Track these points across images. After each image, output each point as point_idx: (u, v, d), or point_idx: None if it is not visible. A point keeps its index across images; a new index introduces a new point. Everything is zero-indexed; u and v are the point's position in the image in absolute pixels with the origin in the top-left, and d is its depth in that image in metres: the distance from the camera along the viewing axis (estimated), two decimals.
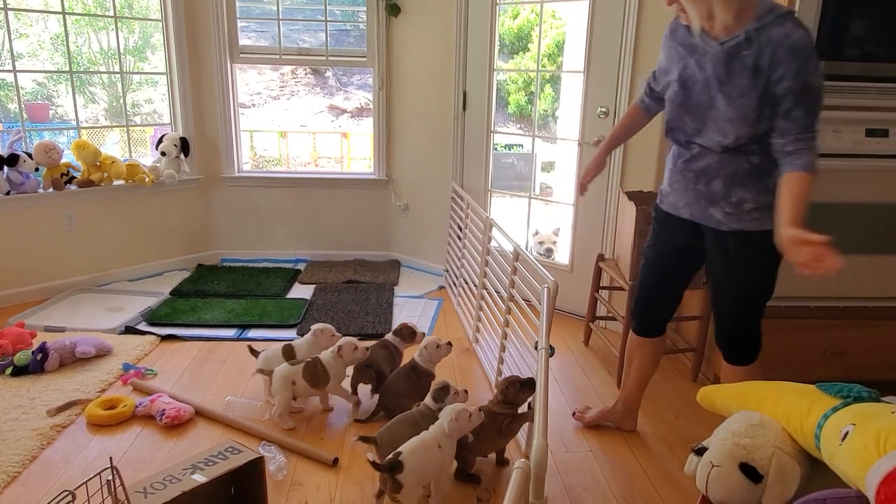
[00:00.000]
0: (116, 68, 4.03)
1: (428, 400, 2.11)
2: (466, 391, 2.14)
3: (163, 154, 3.99)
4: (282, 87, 10.47)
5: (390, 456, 1.83)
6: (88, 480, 1.39)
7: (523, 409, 2.09)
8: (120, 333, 3.19)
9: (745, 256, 1.87)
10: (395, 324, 3.35)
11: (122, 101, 4.18)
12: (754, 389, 1.56)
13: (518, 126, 8.04)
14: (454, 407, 1.96)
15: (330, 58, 4.23)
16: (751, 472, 1.35)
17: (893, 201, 2.51)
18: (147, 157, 4.23)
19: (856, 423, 1.16)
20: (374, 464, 1.85)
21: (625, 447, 2.36)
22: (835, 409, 1.26)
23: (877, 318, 2.65)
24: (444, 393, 2.09)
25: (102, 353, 2.92)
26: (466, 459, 2.08)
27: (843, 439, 1.16)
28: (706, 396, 1.69)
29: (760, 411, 1.47)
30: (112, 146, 6.00)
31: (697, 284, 2.70)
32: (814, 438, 1.29)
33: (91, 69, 7.38)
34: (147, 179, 3.89)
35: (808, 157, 1.68)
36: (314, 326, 2.62)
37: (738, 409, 1.54)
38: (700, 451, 1.47)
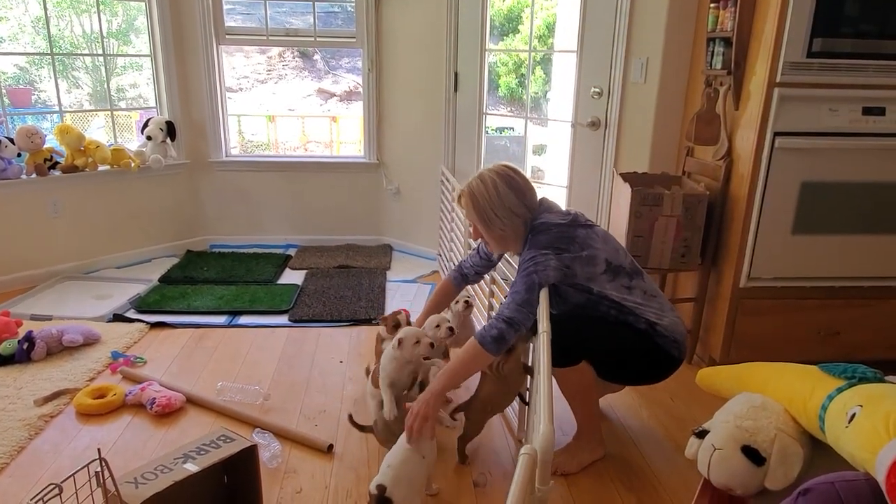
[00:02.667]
0: (99, 52, 3.92)
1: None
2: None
3: (148, 138, 3.91)
4: (269, 70, 10.34)
5: (375, 492, 1.69)
6: (76, 473, 1.35)
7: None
8: (108, 321, 3.14)
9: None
10: (389, 309, 3.34)
11: (106, 85, 4.09)
12: (755, 371, 1.54)
13: (509, 109, 7.99)
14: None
15: (318, 39, 4.16)
16: (753, 454, 1.33)
17: (889, 181, 2.49)
18: (133, 143, 4.15)
19: (863, 404, 1.14)
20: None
21: (621, 430, 2.35)
22: (839, 390, 1.24)
23: (871, 297, 2.65)
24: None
25: (90, 342, 2.87)
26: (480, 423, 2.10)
27: (850, 421, 1.14)
28: (706, 378, 1.68)
29: (762, 393, 1.45)
30: (96, 131, 5.88)
31: (693, 266, 2.69)
32: (818, 420, 1.27)
33: (74, 52, 7.24)
34: (133, 164, 3.82)
35: (483, 330, 1.91)
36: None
37: (738, 391, 1.52)
38: (701, 434, 1.45)
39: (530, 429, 1.77)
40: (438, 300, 2.42)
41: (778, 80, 2.34)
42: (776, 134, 2.41)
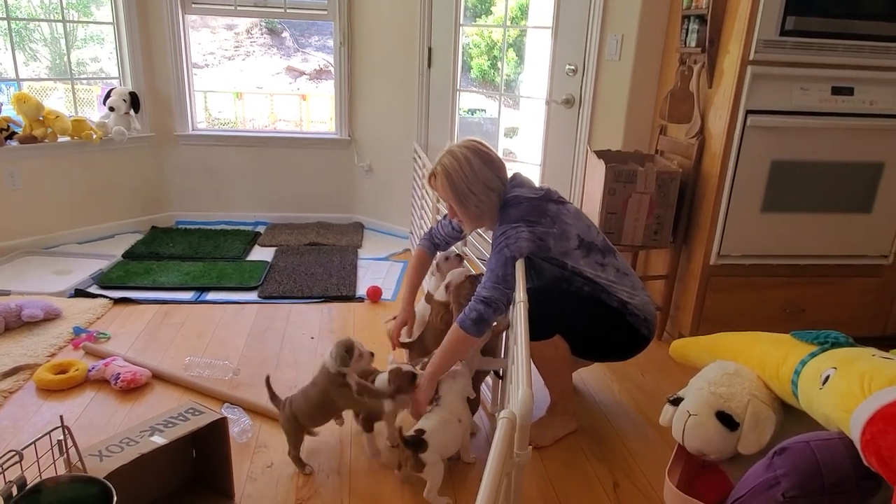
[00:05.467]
0: (59, 24, 3.76)
1: (328, 361, 1.84)
2: (372, 353, 1.90)
3: (111, 109, 3.78)
4: (236, 46, 10.09)
5: (412, 433, 1.73)
6: (37, 440, 1.30)
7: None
8: (69, 297, 3.05)
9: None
10: (360, 286, 3.31)
11: (66, 57, 3.93)
12: (729, 339, 1.56)
13: (481, 91, 7.94)
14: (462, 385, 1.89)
15: (288, 10, 4.05)
16: (727, 419, 1.34)
17: (856, 160, 2.54)
18: (94, 117, 4.00)
19: (837, 366, 1.16)
20: (402, 439, 1.75)
21: (593, 404, 2.37)
22: (813, 355, 1.26)
23: (836, 275, 2.71)
24: (349, 355, 1.83)
25: (51, 317, 2.77)
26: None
27: (824, 383, 1.16)
28: (679, 349, 1.69)
29: (735, 361, 1.47)
30: (56, 101, 5.68)
31: (665, 244, 2.71)
32: (790, 385, 1.29)
33: (32, 18, 6.96)
34: (95, 136, 3.69)
35: (463, 315, 1.88)
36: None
37: (711, 360, 1.53)
38: (675, 401, 1.46)
39: (506, 399, 1.77)
40: (417, 271, 2.38)
41: (751, 57, 2.36)
42: (748, 112, 2.43)
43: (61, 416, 1.36)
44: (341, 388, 1.85)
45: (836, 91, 2.45)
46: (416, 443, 1.72)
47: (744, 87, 2.39)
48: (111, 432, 2.05)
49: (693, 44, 2.61)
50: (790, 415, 1.37)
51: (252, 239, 3.96)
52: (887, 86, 2.45)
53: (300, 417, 1.88)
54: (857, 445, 0.99)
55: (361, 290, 3.26)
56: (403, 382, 1.87)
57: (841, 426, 1.08)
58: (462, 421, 1.84)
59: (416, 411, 1.90)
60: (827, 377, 1.15)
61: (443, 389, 1.89)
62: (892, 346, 1.58)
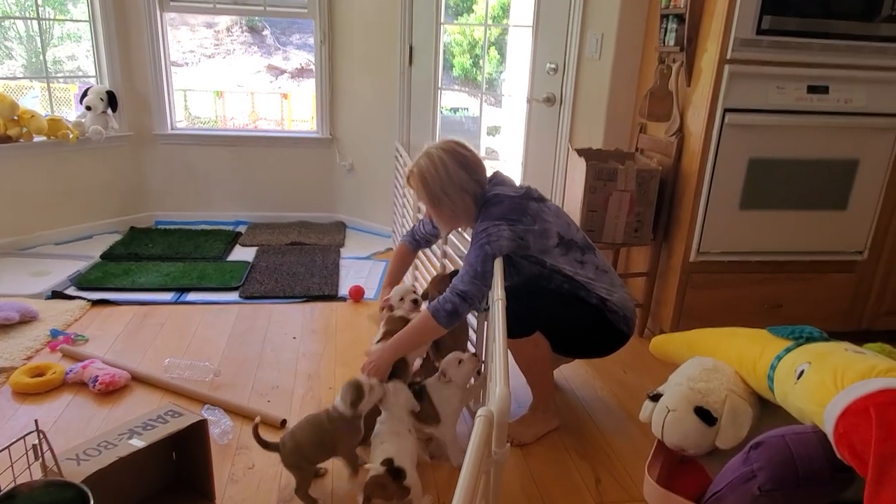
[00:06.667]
0: (34, 21, 3.70)
1: (339, 404, 1.75)
2: (383, 384, 1.84)
3: (88, 108, 3.73)
4: (216, 45, 10.00)
5: (385, 466, 1.65)
6: (11, 445, 1.28)
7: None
8: (46, 298, 3.00)
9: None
10: (343, 285, 3.30)
11: (41, 56, 3.87)
12: (707, 335, 1.57)
13: (463, 89, 7.94)
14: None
15: (268, 8, 4.02)
16: (705, 415, 1.36)
17: (831, 157, 2.58)
18: (71, 116, 3.94)
19: (811, 361, 1.17)
20: (381, 479, 1.67)
21: (575, 401, 2.38)
22: (788, 350, 1.28)
23: (811, 271, 2.74)
24: (358, 398, 1.75)
25: (27, 319, 2.73)
26: None
27: (799, 377, 1.18)
28: (659, 345, 1.71)
29: (713, 356, 1.48)
30: (32, 100, 5.59)
31: (646, 241, 2.73)
32: (766, 380, 1.31)
33: (7, 16, 6.84)
34: (71, 135, 3.63)
35: (437, 303, 1.89)
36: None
37: (690, 356, 1.55)
38: (655, 398, 1.48)
39: (485, 396, 1.77)
40: (398, 265, 2.39)
41: (728, 56, 2.38)
42: (726, 110, 2.45)
43: (36, 421, 1.34)
44: (350, 436, 1.77)
45: (812, 90, 2.49)
46: (397, 473, 1.66)
47: (721, 86, 2.42)
48: (89, 436, 2.01)
49: (672, 43, 2.63)
50: (766, 409, 1.39)
51: (233, 239, 3.93)
52: (861, 84, 2.49)
53: (306, 450, 1.76)
54: (831, 439, 1.01)
55: (344, 290, 3.25)
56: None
57: (815, 420, 1.10)
58: (412, 431, 1.82)
59: (369, 367, 1.87)
60: (801, 372, 1.17)
61: (385, 407, 1.83)
62: (865, 341, 1.61)
